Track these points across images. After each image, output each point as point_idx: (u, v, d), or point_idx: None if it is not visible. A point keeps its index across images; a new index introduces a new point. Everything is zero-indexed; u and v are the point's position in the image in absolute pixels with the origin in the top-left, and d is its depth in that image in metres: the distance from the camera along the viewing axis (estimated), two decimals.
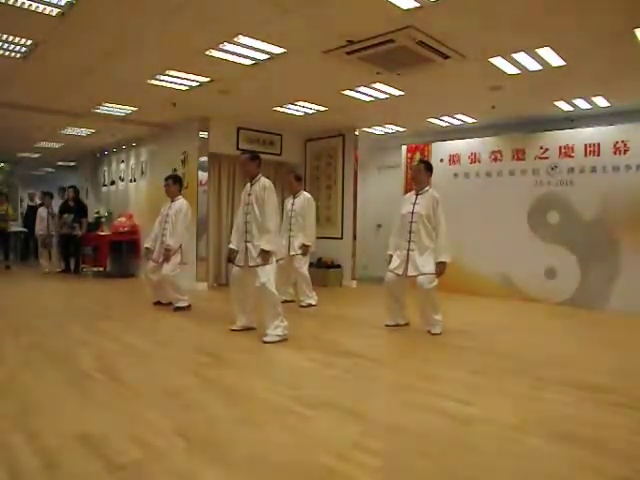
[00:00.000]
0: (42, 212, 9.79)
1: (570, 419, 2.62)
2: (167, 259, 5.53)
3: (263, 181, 4.41)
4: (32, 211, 10.76)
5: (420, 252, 4.56)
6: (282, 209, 6.02)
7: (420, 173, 4.78)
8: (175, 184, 5.84)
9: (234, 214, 7.91)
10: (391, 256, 4.77)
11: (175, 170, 7.92)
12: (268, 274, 4.16)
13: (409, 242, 4.62)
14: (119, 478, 1.92)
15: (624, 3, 3.60)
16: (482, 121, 7.52)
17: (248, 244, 4.30)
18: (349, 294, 7.59)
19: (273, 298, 4.17)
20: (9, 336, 4.23)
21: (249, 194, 4.42)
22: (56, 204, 10.00)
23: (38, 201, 11.33)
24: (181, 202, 5.78)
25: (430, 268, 4.51)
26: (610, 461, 2.14)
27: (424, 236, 4.57)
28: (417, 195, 4.73)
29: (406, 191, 7.74)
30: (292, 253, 5.92)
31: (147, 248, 5.79)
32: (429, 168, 4.85)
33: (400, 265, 4.65)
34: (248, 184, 4.52)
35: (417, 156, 8.19)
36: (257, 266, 4.18)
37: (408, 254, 4.61)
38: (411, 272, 4.56)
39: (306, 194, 6.17)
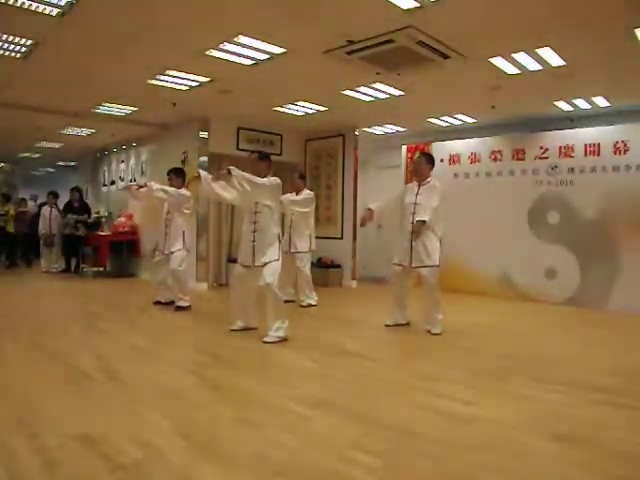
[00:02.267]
0: (45, 211, 9.80)
1: (570, 419, 2.62)
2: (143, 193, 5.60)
3: (273, 180, 4.34)
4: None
5: (423, 242, 4.58)
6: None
7: (421, 165, 4.79)
8: (178, 177, 5.81)
9: (234, 214, 7.95)
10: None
11: None
12: (274, 274, 4.15)
13: (411, 233, 4.63)
14: (119, 478, 1.92)
15: (624, 3, 3.60)
16: (482, 121, 7.51)
17: (255, 244, 4.27)
18: (349, 294, 7.59)
19: (277, 299, 4.17)
20: (9, 336, 4.23)
21: None
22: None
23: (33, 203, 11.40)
24: (185, 192, 5.77)
25: (434, 260, 4.53)
26: (610, 461, 2.14)
27: (426, 226, 4.56)
28: (420, 186, 4.74)
29: None
30: (293, 251, 5.91)
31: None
32: (430, 160, 4.88)
33: (404, 257, 4.67)
34: None
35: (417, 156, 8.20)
36: (264, 265, 4.18)
37: (411, 245, 4.62)
38: (415, 263, 4.59)
39: (308, 191, 6.17)
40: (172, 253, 5.54)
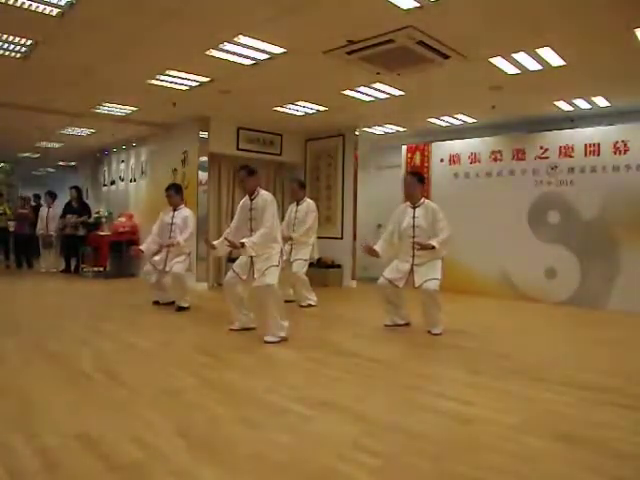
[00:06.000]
0: (42, 212, 9.79)
1: (570, 419, 2.62)
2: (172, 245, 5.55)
3: (265, 195, 4.36)
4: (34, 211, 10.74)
5: (424, 263, 4.56)
6: (282, 214, 5.98)
7: (413, 186, 4.71)
8: (177, 194, 5.82)
9: (234, 215, 7.95)
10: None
11: (175, 170, 7.93)
12: (274, 276, 4.15)
13: (413, 257, 4.61)
14: (119, 478, 1.92)
15: (624, 3, 3.60)
16: (482, 121, 7.51)
17: (254, 258, 4.25)
18: (349, 294, 7.59)
19: (278, 299, 4.18)
20: (9, 336, 4.23)
21: (251, 209, 4.36)
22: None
23: (33, 203, 11.38)
24: (187, 210, 5.80)
25: (436, 273, 4.50)
26: (610, 461, 2.14)
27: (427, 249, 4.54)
28: (414, 208, 4.69)
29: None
30: (293, 259, 5.85)
31: (141, 250, 5.71)
32: (421, 180, 4.85)
33: (402, 278, 4.63)
34: (246, 198, 4.45)
35: (417, 156, 8.20)
36: (264, 273, 4.16)
37: (412, 268, 4.60)
38: (418, 282, 4.55)
39: (310, 202, 6.15)
40: (172, 267, 5.51)
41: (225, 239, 4.34)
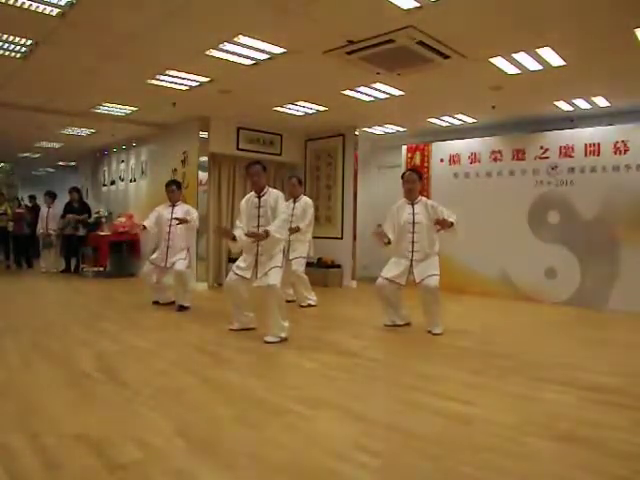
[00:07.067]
0: (42, 212, 9.80)
1: (570, 419, 2.62)
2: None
3: (275, 191, 4.34)
4: (31, 212, 10.75)
5: (423, 259, 4.58)
6: None
7: (415, 183, 4.72)
8: (179, 190, 5.86)
9: (234, 214, 7.95)
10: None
11: (175, 170, 7.93)
12: (278, 276, 4.14)
13: (412, 252, 4.61)
14: (119, 478, 1.92)
15: (624, 3, 3.60)
16: (482, 121, 7.51)
17: (260, 257, 4.25)
18: (349, 294, 7.59)
19: (280, 300, 4.17)
20: (9, 336, 4.23)
21: (259, 206, 4.31)
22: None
23: (29, 204, 11.40)
24: (187, 205, 5.84)
25: (435, 269, 4.52)
26: (610, 461, 2.14)
27: (426, 244, 4.57)
28: (413, 205, 4.70)
29: None
30: (291, 257, 5.83)
31: (144, 225, 5.67)
32: (421, 177, 4.92)
33: (401, 275, 4.63)
34: (252, 195, 4.40)
35: (417, 156, 8.20)
36: (266, 273, 4.16)
37: (412, 263, 4.61)
38: (418, 279, 4.56)
39: (306, 198, 6.15)
40: (174, 264, 5.51)
41: (244, 234, 4.25)
